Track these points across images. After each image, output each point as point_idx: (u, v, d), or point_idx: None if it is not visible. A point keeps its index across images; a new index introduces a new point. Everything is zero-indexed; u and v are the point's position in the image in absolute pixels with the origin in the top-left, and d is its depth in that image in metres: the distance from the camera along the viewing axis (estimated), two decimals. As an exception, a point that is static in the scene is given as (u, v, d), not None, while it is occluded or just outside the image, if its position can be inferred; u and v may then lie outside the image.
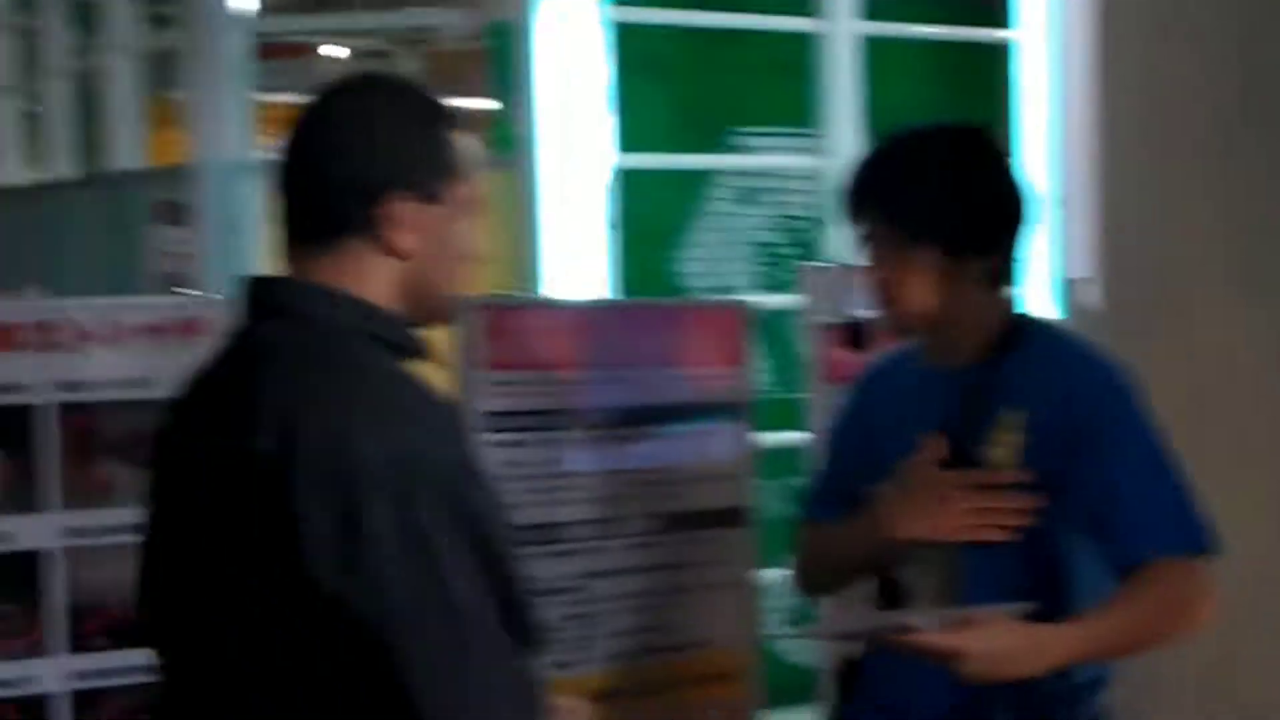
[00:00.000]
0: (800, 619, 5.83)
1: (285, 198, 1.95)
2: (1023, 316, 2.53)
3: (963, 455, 2.43)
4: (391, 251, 1.90)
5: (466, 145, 1.97)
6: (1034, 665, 2.25)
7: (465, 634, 1.72)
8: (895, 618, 2.39)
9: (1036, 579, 2.38)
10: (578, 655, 3.45)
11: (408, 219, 1.90)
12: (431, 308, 1.97)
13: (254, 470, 1.76)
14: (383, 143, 1.90)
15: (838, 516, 2.62)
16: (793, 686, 5.59)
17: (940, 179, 2.41)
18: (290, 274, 1.94)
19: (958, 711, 2.39)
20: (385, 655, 1.70)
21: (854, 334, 2.66)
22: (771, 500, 5.55)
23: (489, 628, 1.75)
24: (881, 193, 2.44)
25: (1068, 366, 2.44)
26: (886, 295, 2.47)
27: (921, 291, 2.41)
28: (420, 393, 1.86)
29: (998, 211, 2.46)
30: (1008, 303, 2.52)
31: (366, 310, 1.90)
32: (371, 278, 1.91)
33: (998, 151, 2.54)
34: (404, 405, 1.82)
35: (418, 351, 1.96)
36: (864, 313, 3.68)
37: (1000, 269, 2.47)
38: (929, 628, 2.23)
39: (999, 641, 2.22)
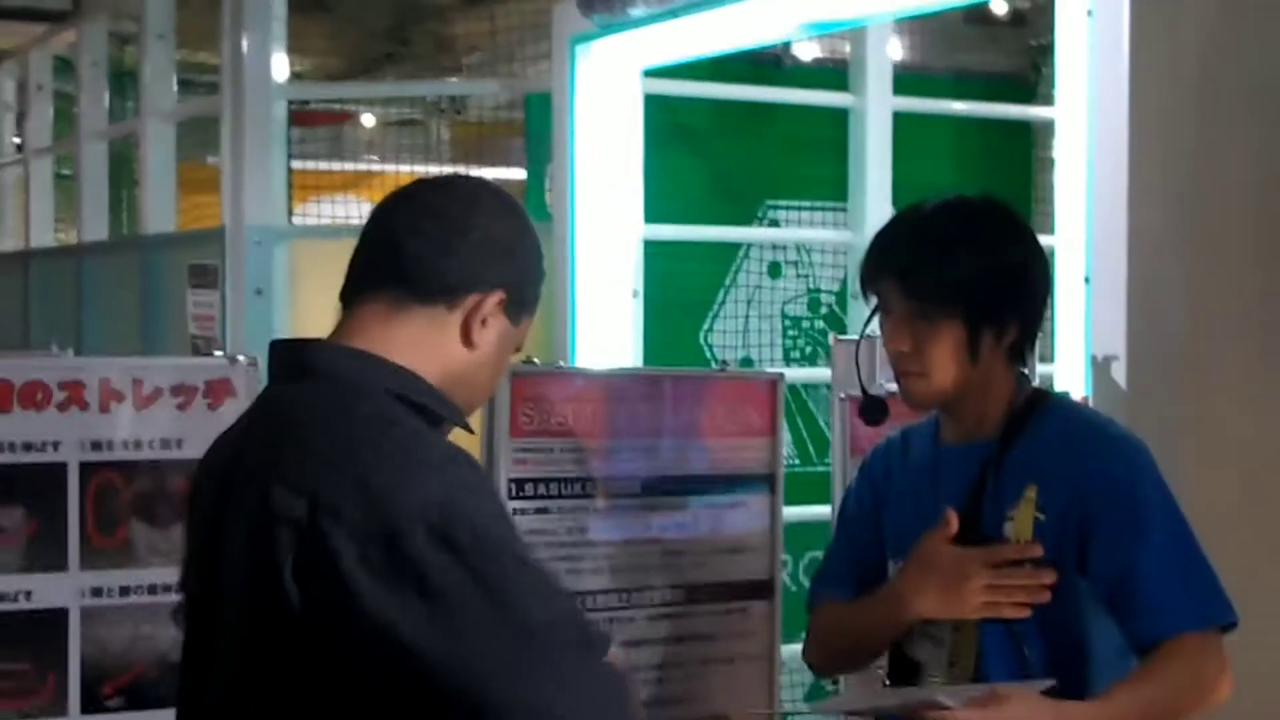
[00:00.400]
0: (817, 695, 5.81)
1: (373, 251, 1.99)
2: (1039, 391, 2.51)
3: (979, 532, 2.40)
4: (467, 341, 1.97)
5: None
6: None
7: (544, 648, 1.72)
8: (919, 694, 2.36)
9: (1053, 655, 2.36)
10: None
11: (491, 317, 1.98)
12: (466, 403, 2.03)
13: (285, 529, 1.72)
14: (503, 239, 2.00)
15: (850, 594, 2.59)
16: (813, 764, 5.57)
17: (960, 251, 2.39)
18: (327, 336, 1.97)
19: None
20: (466, 693, 1.67)
21: (871, 408, 2.62)
22: (796, 574, 5.55)
23: (566, 637, 1.76)
24: (901, 264, 2.42)
25: (1083, 441, 2.42)
26: (904, 368, 2.45)
27: (940, 364, 2.39)
28: (446, 448, 1.88)
29: (1017, 283, 2.44)
30: (1024, 378, 2.50)
31: (399, 375, 1.92)
32: (432, 353, 1.96)
33: (1018, 223, 2.52)
34: (430, 459, 1.82)
35: (450, 417, 1.99)
36: (889, 386, 3.66)
37: (1018, 342, 2.45)
38: (956, 705, 2.20)
39: (1023, 716, 2.20)
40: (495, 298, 1.97)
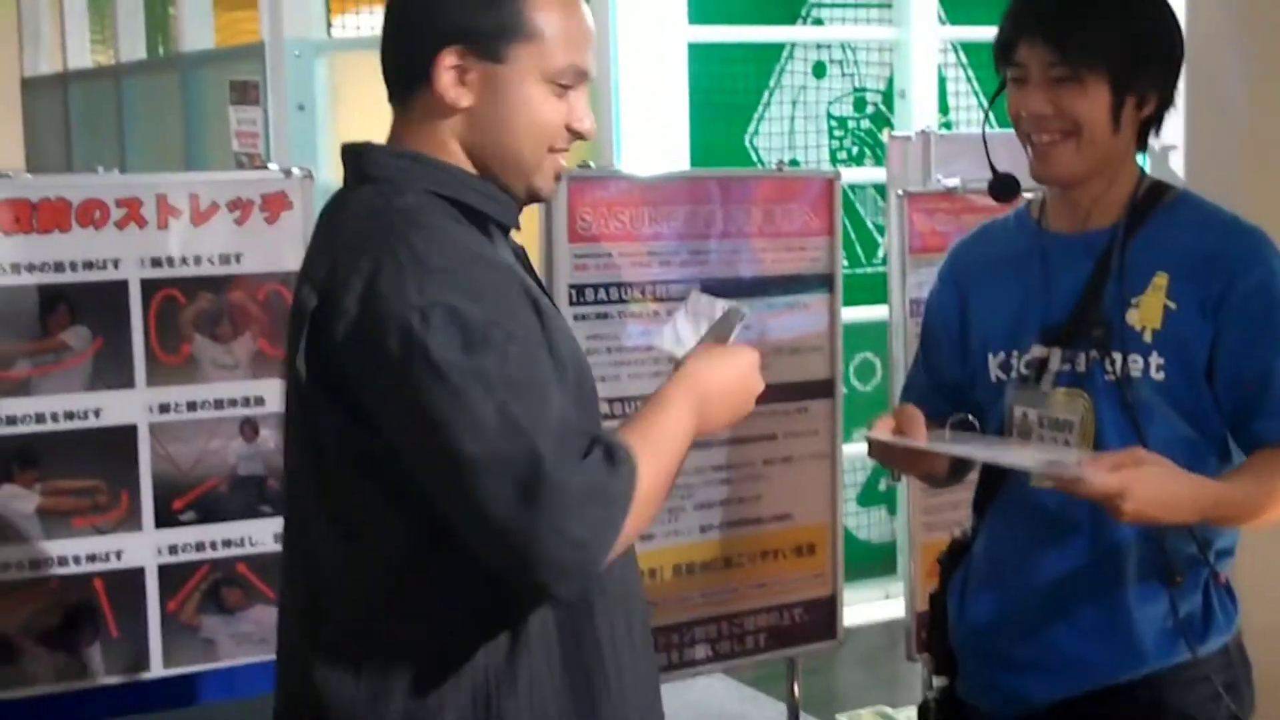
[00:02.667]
0: (871, 496, 5.86)
1: (380, 61, 1.98)
2: (1158, 181, 2.46)
3: (1100, 317, 2.36)
4: (447, 107, 1.90)
5: (567, 19, 1.92)
6: (1185, 512, 2.20)
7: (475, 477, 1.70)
8: (1047, 454, 2.31)
9: (1170, 442, 2.32)
10: (665, 527, 3.46)
11: (464, 74, 1.89)
12: (505, 172, 1.94)
13: (301, 320, 1.85)
14: None
15: (937, 412, 2.56)
16: (868, 562, 5.65)
17: (1110, 8, 2.29)
18: (387, 139, 1.97)
19: (1082, 577, 2.36)
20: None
21: (1003, 185, 2.49)
22: (848, 376, 5.57)
23: (500, 471, 1.70)
24: (1048, 21, 2.29)
25: (1222, 235, 2.35)
26: (1047, 133, 2.32)
27: (1089, 124, 2.29)
28: (454, 252, 1.82)
29: (1162, 49, 2.34)
30: (1139, 166, 2.45)
31: (435, 171, 1.91)
32: (436, 137, 1.93)
33: None
34: (433, 264, 1.78)
35: (492, 214, 1.94)
36: (948, 182, 3.63)
37: (1151, 118, 2.38)
38: (1077, 465, 2.17)
39: (1160, 481, 2.17)
40: (450, 54, 1.88)
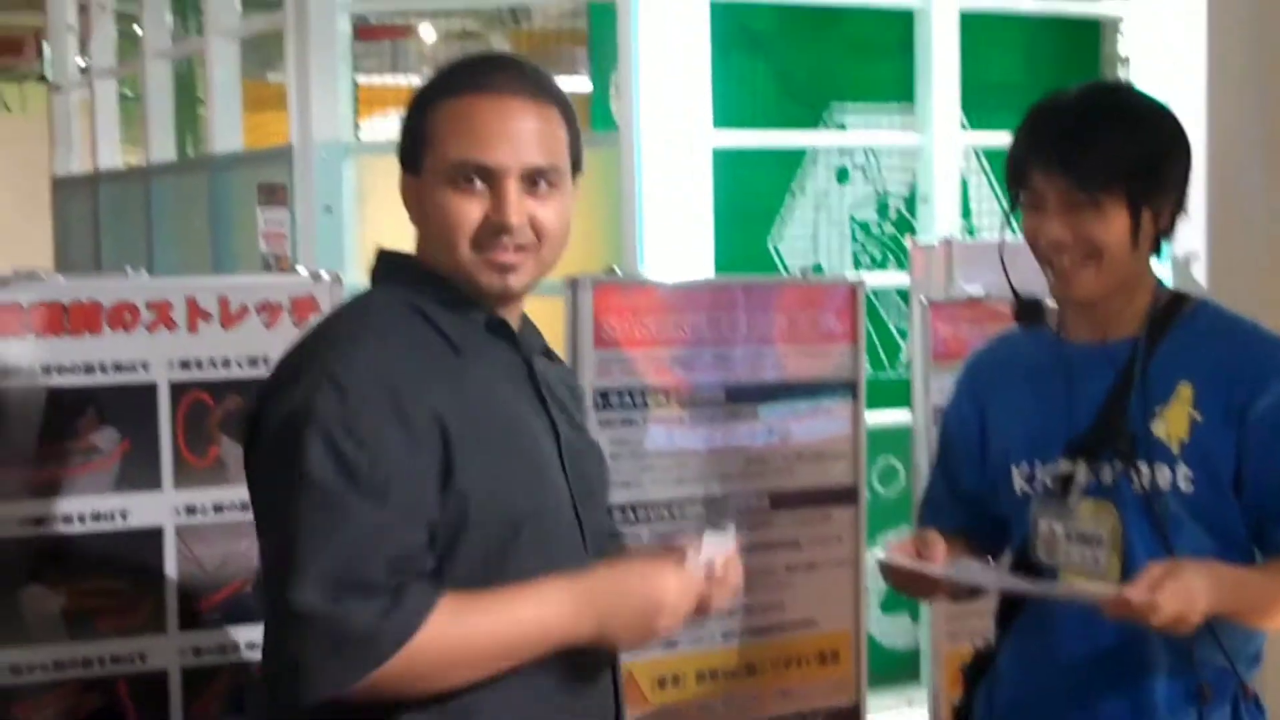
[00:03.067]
0: (892, 603, 5.84)
1: None
2: (1177, 291, 2.46)
3: (1125, 430, 2.36)
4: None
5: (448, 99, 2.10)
6: (1212, 601, 2.20)
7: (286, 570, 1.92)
8: (1068, 588, 2.31)
9: (1196, 550, 2.32)
10: (689, 634, 3.46)
11: (406, 193, 2.14)
12: (454, 276, 2.09)
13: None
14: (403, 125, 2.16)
15: (956, 524, 2.56)
16: (890, 668, 5.61)
17: (1119, 129, 2.31)
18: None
19: (1111, 692, 2.35)
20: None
21: (1027, 310, 2.48)
22: (870, 481, 5.56)
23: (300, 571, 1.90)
24: (1060, 149, 2.31)
25: (1246, 343, 2.37)
26: (1067, 259, 2.34)
27: (1110, 248, 2.31)
28: (332, 351, 2.01)
29: (1172, 161, 2.37)
30: (1155, 275, 2.46)
31: (409, 276, 2.12)
32: (419, 249, 2.15)
33: (1160, 103, 2.43)
34: (311, 366, 2.00)
35: (440, 327, 2.07)
36: (969, 289, 3.66)
37: (1167, 228, 2.39)
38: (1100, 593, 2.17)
39: (1187, 582, 2.17)
40: (404, 175, 2.14)
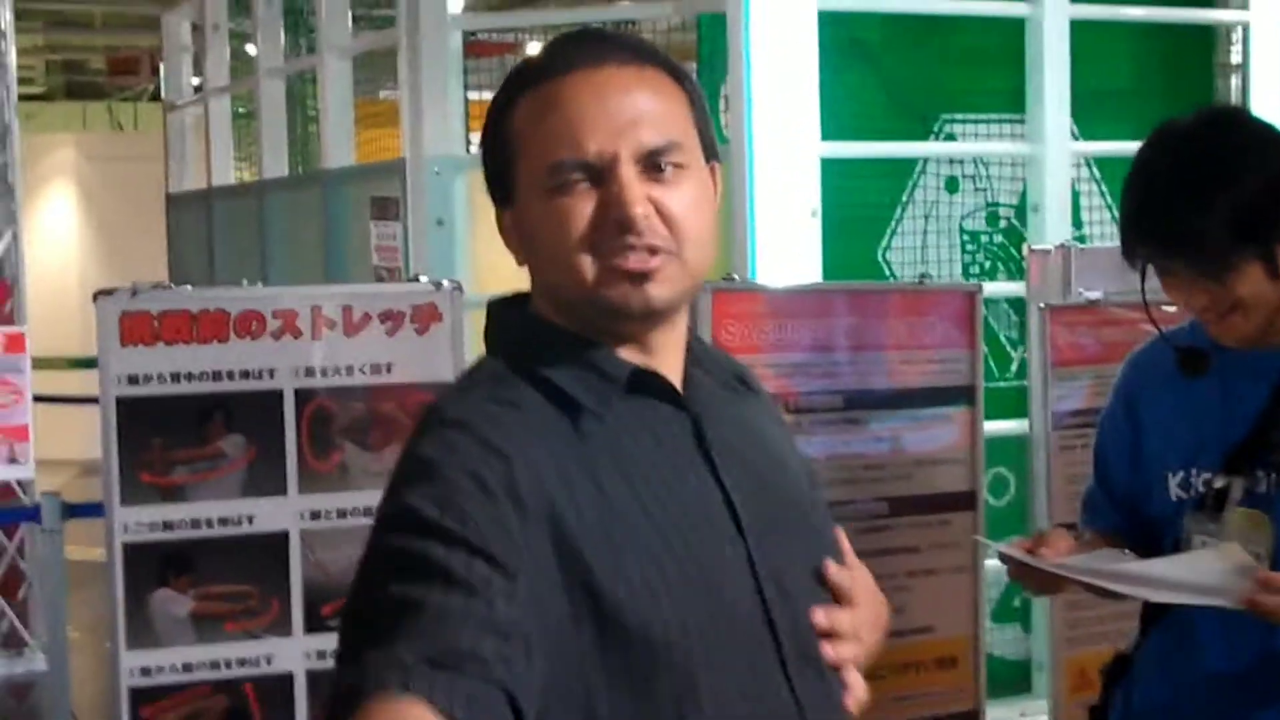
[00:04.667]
0: (1005, 612, 5.81)
1: None
2: None
3: (1278, 440, 2.32)
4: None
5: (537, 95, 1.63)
6: None
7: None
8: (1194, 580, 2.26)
9: None
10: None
11: (506, 234, 1.70)
12: (575, 309, 1.64)
13: None
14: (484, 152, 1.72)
15: (1112, 525, 2.54)
16: (1002, 679, 5.58)
17: (1224, 195, 2.24)
18: None
19: (1258, 689, 2.32)
20: None
21: (1191, 360, 2.42)
22: (992, 487, 5.54)
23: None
24: (1170, 236, 2.27)
25: None
26: (1213, 315, 2.32)
27: (1253, 299, 2.27)
28: (426, 440, 1.58)
29: None
30: None
31: (511, 327, 1.70)
32: (533, 293, 1.71)
33: (1253, 126, 2.38)
34: (409, 456, 1.59)
35: (575, 397, 1.61)
36: (1090, 295, 3.64)
37: None
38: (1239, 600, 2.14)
39: None
40: (503, 213, 1.70)
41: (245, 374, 3.18)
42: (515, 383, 1.61)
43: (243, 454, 3.19)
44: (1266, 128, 2.38)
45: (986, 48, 5.72)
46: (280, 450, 3.22)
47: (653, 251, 1.59)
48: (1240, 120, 2.42)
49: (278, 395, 3.21)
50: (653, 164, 1.60)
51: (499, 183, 1.67)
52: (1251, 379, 2.37)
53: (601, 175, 1.59)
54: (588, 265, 1.59)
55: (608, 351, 1.63)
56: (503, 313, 1.72)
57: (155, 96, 11.11)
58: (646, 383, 1.64)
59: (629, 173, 1.58)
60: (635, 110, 1.60)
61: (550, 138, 1.59)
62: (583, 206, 1.59)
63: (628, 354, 1.64)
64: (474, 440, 1.55)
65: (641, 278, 1.59)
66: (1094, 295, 3.60)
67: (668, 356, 1.67)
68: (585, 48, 1.64)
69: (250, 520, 3.20)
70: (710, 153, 1.69)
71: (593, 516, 1.54)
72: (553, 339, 1.64)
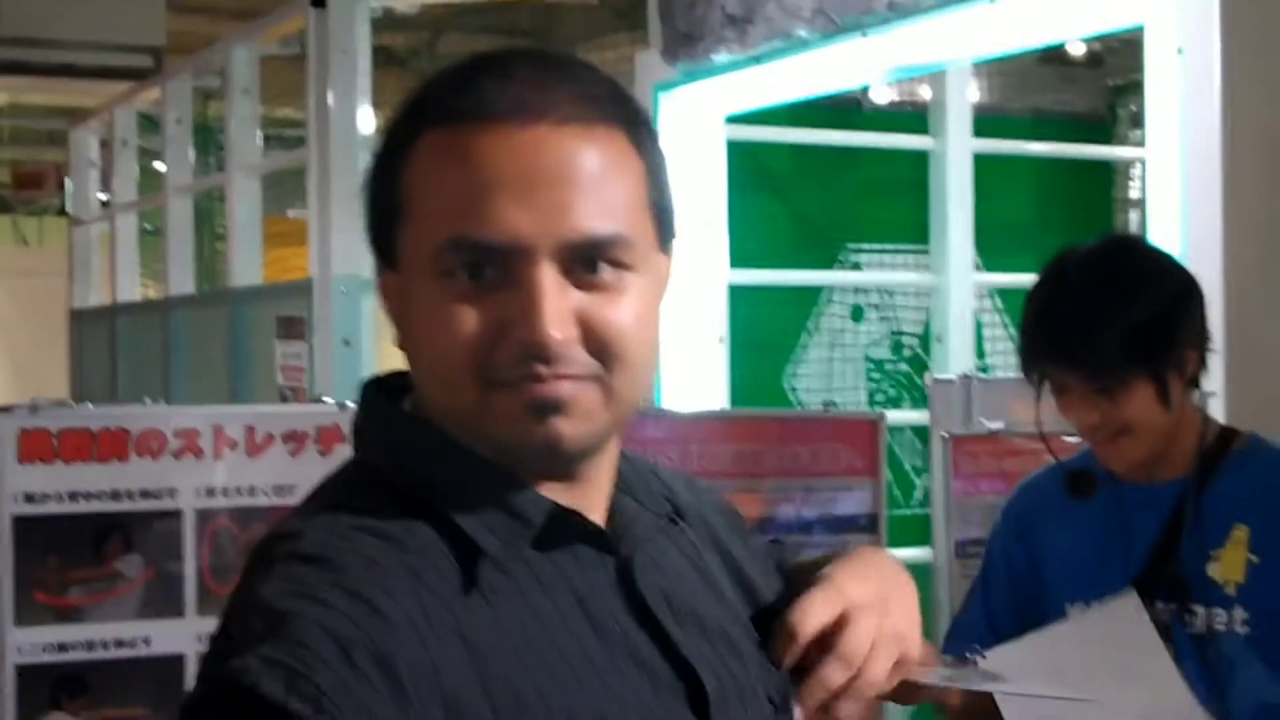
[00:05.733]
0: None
1: None
2: (1227, 428, 2.46)
3: (1178, 572, 2.36)
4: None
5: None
6: None
7: None
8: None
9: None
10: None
11: (386, 298, 1.30)
12: (460, 432, 1.24)
13: None
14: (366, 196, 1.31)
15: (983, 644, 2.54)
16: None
17: (1124, 315, 2.28)
18: None
19: None
20: None
21: (1079, 483, 2.45)
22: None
23: None
24: (1068, 351, 2.31)
25: None
26: (1103, 437, 2.35)
27: (1143, 423, 2.31)
28: (290, 576, 1.17)
29: (1184, 315, 2.36)
30: (1205, 412, 2.46)
31: (396, 429, 1.29)
32: (417, 385, 1.30)
33: (1157, 256, 2.44)
34: (250, 597, 1.19)
35: (467, 532, 1.22)
36: (991, 425, 3.67)
37: (1196, 374, 2.38)
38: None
39: None
40: (381, 267, 1.30)
41: (145, 493, 3.14)
42: (396, 510, 1.22)
43: (140, 574, 3.14)
44: (1163, 256, 2.44)
45: (892, 179, 5.83)
46: (179, 571, 3.17)
47: (569, 379, 1.20)
48: (1139, 247, 2.48)
49: (177, 515, 3.17)
50: (585, 261, 1.21)
51: (381, 237, 1.27)
52: (1148, 511, 2.39)
53: (509, 266, 1.19)
54: (474, 389, 1.21)
55: (519, 483, 1.24)
56: (383, 406, 1.30)
57: (61, 211, 11.03)
58: (568, 526, 1.25)
59: (548, 276, 1.19)
60: (571, 185, 1.20)
61: (450, 204, 1.20)
62: (477, 309, 1.20)
63: (545, 486, 1.25)
64: (340, 588, 1.15)
65: (547, 409, 1.20)
66: (995, 425, 3.63)
67: (595, 487, 1.28)
68: (515, 87, 1.22)
69: (147, 642, 3.14)
70: (667, 233, 1.30)
71: (504, 704, 1.15)
72: (449, 457, 1.24)
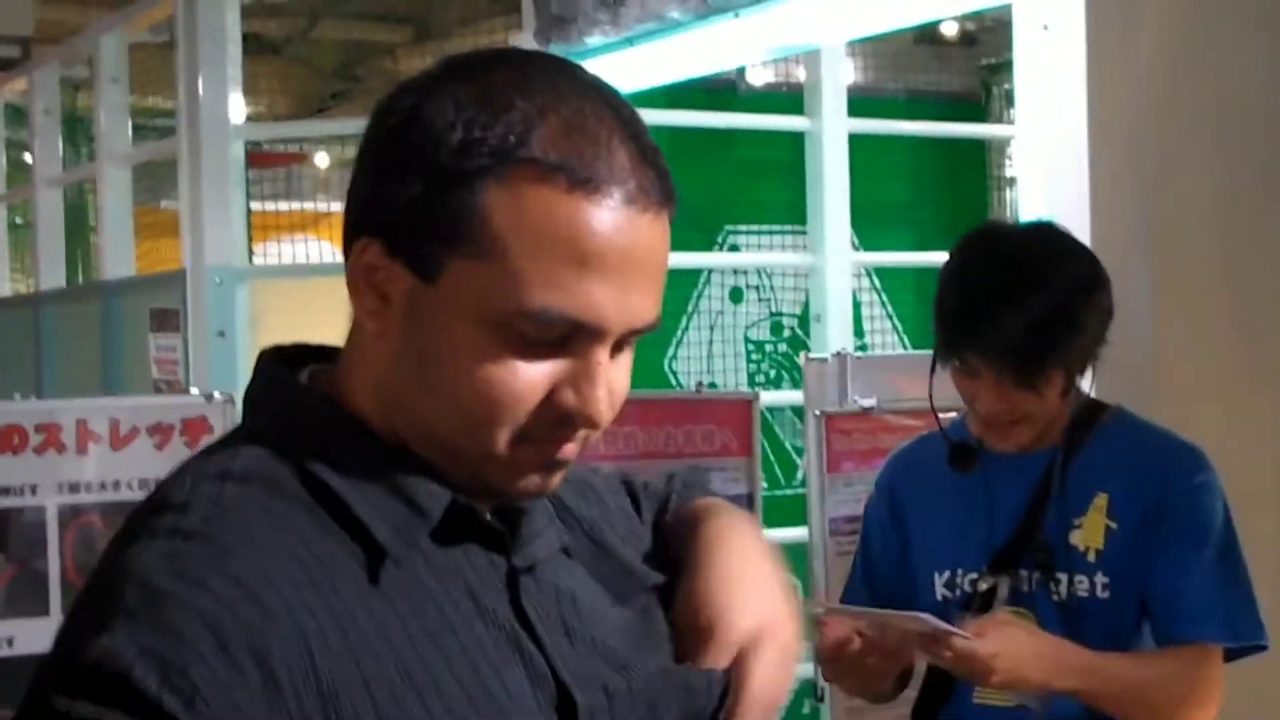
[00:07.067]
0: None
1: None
2: (1093, 400, 2.50)
3: (1041, 539, 2.39)
4: (361, 319, 1.23)
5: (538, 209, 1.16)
6: (1055, 670, 2.23)
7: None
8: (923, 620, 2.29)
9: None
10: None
11: (375, 271, 1.21)
12: (415, 434, 1.22)
13: None
14: (377, 166, 1.22)
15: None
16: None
17: (1048, 309, 2.29)
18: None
19: None
20: None
21: (961, 455, 2.46)
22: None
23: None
24: (990, 346, 2.30)
25: (1160, 453, 2.40)
26: (1001, 422, 2.37)
27: (1046, 412, 2.35)
28: (168, 551, 1.14)
29: (1092, 305, 2.38)
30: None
31: (295, 405, 1.25)
32: (352, 362, 1.26)
33: (1067, 243, 2.44)
34: (120, 572, 1.14)
35: (373, 530, 1.19)
36: (864, 402, 3.69)
37: (1092, 363, 2.42)
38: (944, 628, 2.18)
39: (1027, 640, 2.21)
40: (370, 247, 1.20)
41: (5, 490, 3.07)
42: (287, 488, 1.18)
43: (2, 573, 3.08)
44: (1066, 239, 2.45)
45: (768, 160, 5.83)
46: (43, 569, 3.11)
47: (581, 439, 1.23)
48: (1044, 233, 2.47)
49: (40, 511, 3.10)
50: (623, 340, 1.21)
51: (409, 233, 1.18)
52: (1014, 482, 2.43)
53: (571, 343, 1.18)
54: (502, 439, 1.18)
55: (420, 471, 1.21)
56: (281, 380, 1.26)
57: (-71, 205, 10.80)
58: (463, 522, 1.22)
59: (606, 358, 1.19)
60: (654, 279, 1.20)
61: (547, 272, 1.15)
62: (534, 376, 1.17)
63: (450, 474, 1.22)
64: (219, 569, 1.11)
65: (555, 466, 1.22)
66: (868, 403, 3.64)
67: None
68: (625, 152, 1.18)
69: (10, 643, 3.08)
70: None
71: (385, 695, 1.12)
72: (352, 439, 1.21)
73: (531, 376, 1.17)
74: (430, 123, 1.18)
